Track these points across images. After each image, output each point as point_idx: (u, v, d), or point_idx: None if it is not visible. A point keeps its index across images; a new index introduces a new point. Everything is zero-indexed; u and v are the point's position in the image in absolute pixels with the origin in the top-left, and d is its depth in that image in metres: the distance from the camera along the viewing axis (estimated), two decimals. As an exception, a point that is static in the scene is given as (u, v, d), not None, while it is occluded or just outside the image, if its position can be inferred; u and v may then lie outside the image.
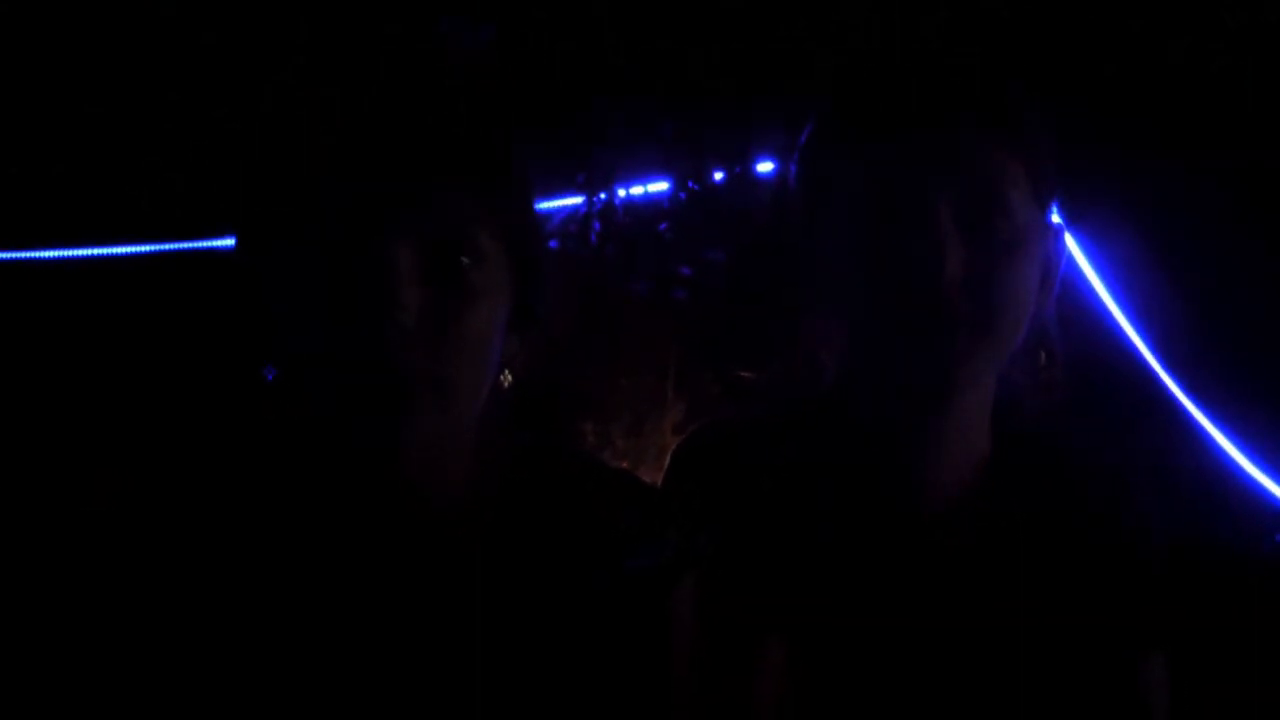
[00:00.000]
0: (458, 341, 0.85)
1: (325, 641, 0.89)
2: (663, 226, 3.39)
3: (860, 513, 1.06)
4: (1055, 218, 1.09)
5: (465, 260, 0.85)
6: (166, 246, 3.04)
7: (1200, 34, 2.93)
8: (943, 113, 0.99)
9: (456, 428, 0.88)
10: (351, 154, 0.84)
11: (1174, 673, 1.11)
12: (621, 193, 3.46)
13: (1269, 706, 2.31)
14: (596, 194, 3.44)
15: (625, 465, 3.41)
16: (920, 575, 1.05)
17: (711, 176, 3.37)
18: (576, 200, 3.52)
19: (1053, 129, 1.05)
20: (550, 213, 3.49)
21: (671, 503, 0.99)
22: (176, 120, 3.05)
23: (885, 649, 1.04)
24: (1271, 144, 2.90)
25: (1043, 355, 1.11)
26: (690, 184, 3.36)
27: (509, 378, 0.94)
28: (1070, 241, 2.95)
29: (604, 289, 3.40)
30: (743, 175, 3.32)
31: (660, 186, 3.46)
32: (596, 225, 3.44)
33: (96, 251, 3.00)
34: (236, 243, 0.91)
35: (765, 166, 3.31)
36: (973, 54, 1.07)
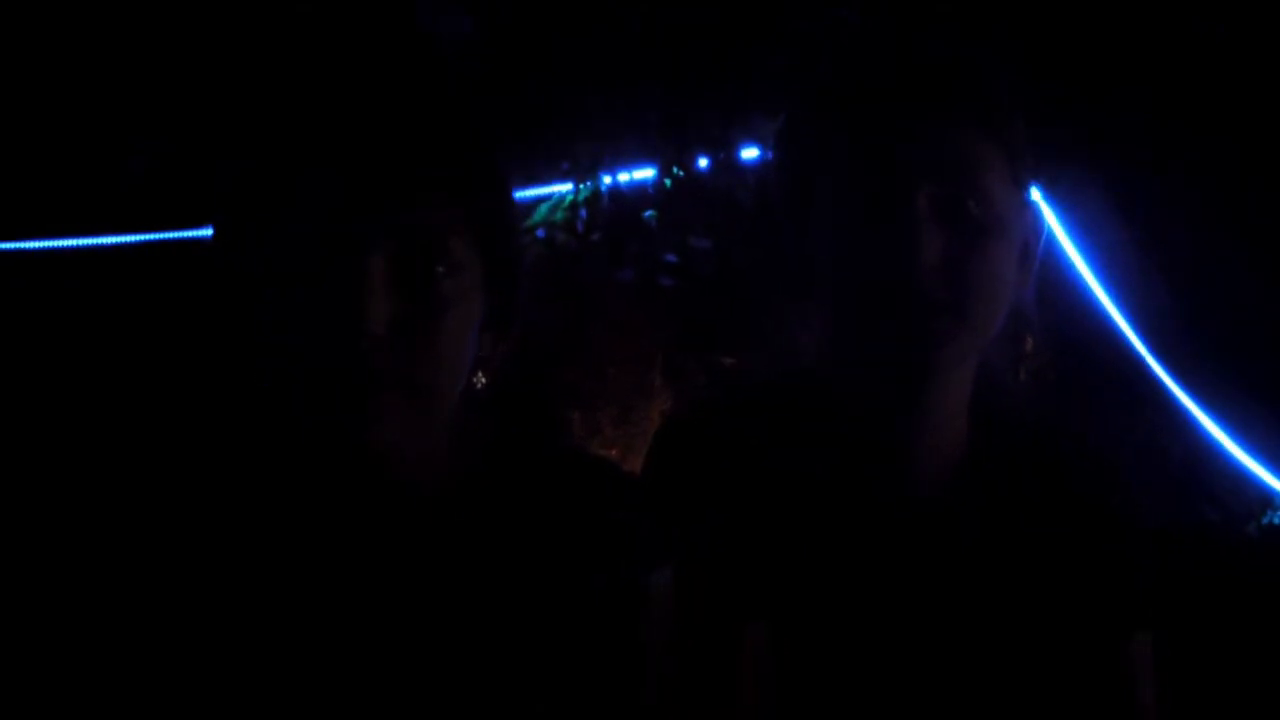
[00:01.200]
0: (430, 349, 0.85)
1: (302, 635, 0.88)
2: (648, 214, 3.38)
3: (843, 496, 1.06)
4: (1035, 195, 1.09)
5: (440, 270, 0.84)
6: (150, 237, 3.04)
7: (1188, 9, 2.93)
8: (918, 102, 1.00)
9: (428, 431, 0.88)
10: (328, 156, 0.83)
11: (1159, 652, 1.11)
12: (607, 180, 3.45)
13: (1253, 685, 2.32)
14: (582, 181, 3.44)
15: (613, 453, 3.41)
16: (904, 558, 1.05)
17: (697, 163, 3.36)
18: (562, 188, 3.51)
19: (1028, 111, 1.06)
20: (535, 201, 3.48)
21: (655, 491, 0.99)
22: (159, 112, 3.04)
23: (870, 632, 1.04)
24: (1260, 126, 2.91)
25: (1028, 340, 1.11)
26: (676, 171, 3.35)
27: (483, 379, 0.93)
28: (1055, 225, 2.96)
29: (590, 277, 3.39)
30: (728, 162, 3.32)
31: (646, 173, 3.45)
32: (582, 213, 3.44)
33: (81, 242, 3.00)
34: (213, 236, 0.90)
35: (750, 153, 3.30)
36: (949, 41, 1.07)
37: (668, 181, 3.35)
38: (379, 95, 0.87)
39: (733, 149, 3.32)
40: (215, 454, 0.94)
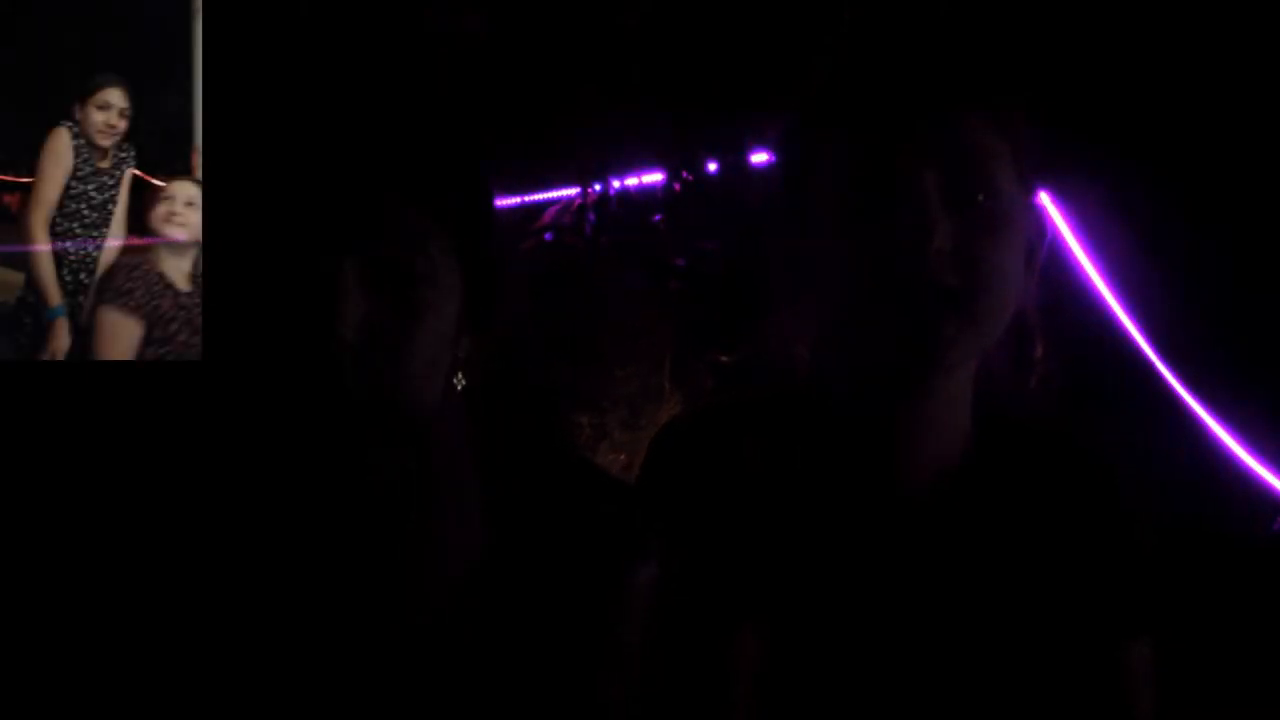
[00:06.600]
0: (406, 356, 0.84)
1: (289, 636, 0.88)
2: (657, 218, 3.38)
3: (840, 496, 1.06)
4: (1041, 199, 1.09)
5: (415, 276, 0.85)
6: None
7: (1192, 18, 2.93)
8: (929, 95, 1.00)
9: (402, 435, 0.88)
10: (300, 163, 0.84)
11: (1163, 658, 1.11)
12: (616, 184, 3.45)
13: (1261, 693, 2.31)
14: (590, 185, 3.44)
15: (621, 457, 3.41)
16: (902, 559, 1.05)
17: (705, 167, 3.36)
18: (571, 192, 3.51)
19: (1038, 112, 1.06)
20: (544, 204, 3.49)
21: (648, 491, 0.99)
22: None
23: (866, 634, 1.03)
24: (1267, 130, 2.90)
25: (1035, 346, 1.11)
26: (684, 174, 3.35)
27: (462, 381, 0.93)
28: (1064, 231, 2.95)
29: (598, 280, 3.39)
30: (736, 165, 3.32)
31: (654, 177, 3.45)
32: (591, 217, 3.44)
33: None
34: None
35: (759, 157, 3.30)
36: (959, 38, 1.07)
37: (676, 185, 3.35)
38: (352, 100, 0.87)
39: (741, 153, 3.32)
40: (194, 466, 0.94)
